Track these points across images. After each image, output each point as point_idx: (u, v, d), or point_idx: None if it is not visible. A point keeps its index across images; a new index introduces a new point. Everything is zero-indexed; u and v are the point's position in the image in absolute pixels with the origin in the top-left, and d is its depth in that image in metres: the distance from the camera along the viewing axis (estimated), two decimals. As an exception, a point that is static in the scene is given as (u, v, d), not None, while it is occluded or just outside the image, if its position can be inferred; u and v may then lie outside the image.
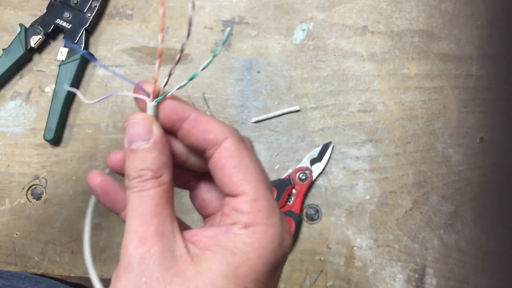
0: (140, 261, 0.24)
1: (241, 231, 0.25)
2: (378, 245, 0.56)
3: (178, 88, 0.28)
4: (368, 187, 0.57)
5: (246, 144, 0.28)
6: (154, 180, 0.26)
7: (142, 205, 0.25)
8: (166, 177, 0.26)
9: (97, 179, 0.30)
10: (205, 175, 0.31)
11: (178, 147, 0.29)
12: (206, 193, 0.31)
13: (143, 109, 0.28)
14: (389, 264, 0.55)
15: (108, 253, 0.57)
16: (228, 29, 0.27)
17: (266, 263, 0.25)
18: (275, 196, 0.55)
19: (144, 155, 0.26)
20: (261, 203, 0.26)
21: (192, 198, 0.32)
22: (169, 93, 0.27)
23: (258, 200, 0.26)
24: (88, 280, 0.56)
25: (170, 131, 0.28)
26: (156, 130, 0.26)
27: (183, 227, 0.30)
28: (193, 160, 0.29)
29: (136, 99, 0.28)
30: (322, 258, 0.56)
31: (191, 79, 0.28)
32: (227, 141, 0.27)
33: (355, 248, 0.56)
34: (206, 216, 0.32)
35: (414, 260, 0.55)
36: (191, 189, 0.32)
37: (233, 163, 0.27)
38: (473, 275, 0.55)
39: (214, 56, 0.27)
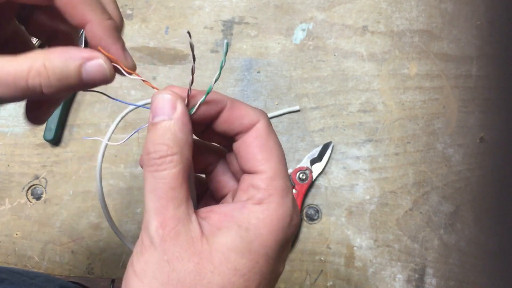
0: (162, 242, 0.25)
1: (255, 207, 0.27)
2: (378, 245, 0.56)
3: (205, 96, 0.29)
4: (368, 187, 0.57)
5: (272, 127, 0.30)
6: (169, 159, 0.26)
7: (158, 188, 0.26)
8: (182, 156, 0.26)
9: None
10: (221, 159, 0.33)
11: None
12: (222, 175, 0.32)
13: None
14: (389, 264, 0.55)
15: (108, 253, 0.57)
16: (226, 42, 0.28)
17: (276, 240, 0.26)
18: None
19: (164, 130, 0.26)
20: (277, 182, 0.27)
21: (209, 181, 0.33)
22: (200, 103, 0.29)
23: (275, 180, 0.27)
24: (87, 280, 0.57)
25: (206, 122, 0.29)
26: (180, 107, 0.27)
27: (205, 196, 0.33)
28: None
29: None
30: (322, 258, 0.56)
31: (208, 93, 0.29)
32: (259, 123, 0.29)
33: (355, 248, 0.56)
34: (221, 198, 0.33)
35: (414, 260, 0.55)
36: (208, 173, 0.33)
37: (259, 142, 0.28)
38: (473, 275, 0.55)
39: (221, 68, 0.28)
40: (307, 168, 0.56)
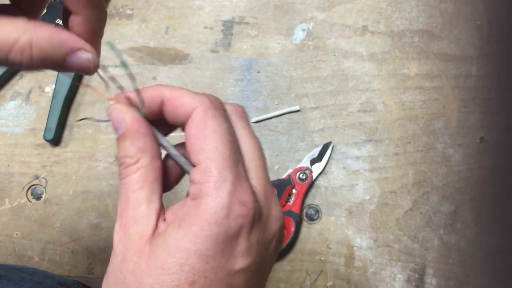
0: (118, 244, 0.26)
1: (191, 202, 0.26)
2: (378, 245, 0.56)
3: (139, 95, 0.29)
4: (368, 187, 0.57)
5: (218, 112, 0.27)
6: (131, 167, 0.27)
7: (122, 193, 0.27)
8: (143, 161, 0.27)
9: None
10: None
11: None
12: None
13: None
14: (389, 264, 0.55)
15: (108, 252, 0.57)
16: (108, 42, 0.28)
17: (208, 236, 0.25)
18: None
19: (121, 143, 0.28)
20: (210, 174, 0.25)
21: None
22: (141, 103, 0.28)
23: (208, 171, 0.25)
24: (87, 280, 0.56)
25: (161, 117, 0.29)
26: (128, 118, 0.27)
27: None
28: None
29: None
30: (322, 258, 0.56)
31: (137, 90, 0.29)
32: (195, 111, 0.27)
33: (355, 248, 0.56)
34: None
35: (414, 260, 0.55)
36: None
37: (194, 132, 0.27)
38: (473, 275, 0.55)
39: (124, 65, 0.28)
40: (307, 168, 0.56)
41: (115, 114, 0.28)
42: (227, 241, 0.25)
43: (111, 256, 0.27)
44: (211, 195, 0.25)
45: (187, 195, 0.29)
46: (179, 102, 0.27)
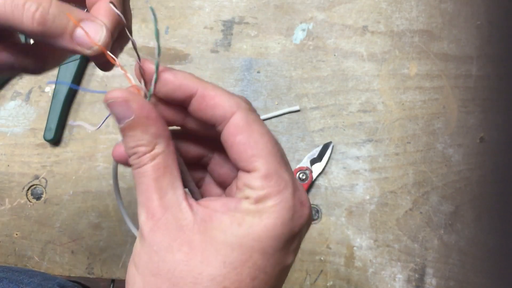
0: (150, 233, 0.25)
1: (251, 206, 0.26)
2: (378, 245, 0.56)
3: (156, 75, 0.28)
4: (368, 187, 0.57)
5: (257, 115, 0.27)
6: (148, 155, 0.26)
7: (143, 182, 0.26)
8: (159, 147, 0.26)
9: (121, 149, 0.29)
10: (216, 148, 0.31)
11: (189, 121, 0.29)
12: (221, 168, 0.31)
13: None
14: (389, 264, 0.55)
15: (108, 253, 0.57)
16: (150, 7, 0.27)
17: (273, 236, 0.25)
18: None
19: (132, 132, 0.26)
20: (272, 179, 0.26)
21: (210, 173, 0.32)
22: (154, 82, 0.28)
23: (269, 176, 0.26)
24: (87, 280, 0.57)
25: (182, 105, 0.28)
26: (134, 105, 0.26)
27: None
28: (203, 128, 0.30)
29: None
30: (322, 258, 0.56)
31: (157, 68, 0.28)
32: (235, 116, 0.26)
33: (355, 248, 0.56)
34: (226, 186, 0.32)
35: (414, 260, 0.55)
36: (206, 165, 0.32)
37: (243, 139, 0.26)
38: (473, 275, 0.55)
39: (157, 39, 0.28)
40: (307, 168, 0.56)
41: (118, 103, 0.26)
42: (289, 240, 0.26)
43: (137, 247, 0.26)
44: (276, 199, 0.26)
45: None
46: (215, 103, 0.27)
